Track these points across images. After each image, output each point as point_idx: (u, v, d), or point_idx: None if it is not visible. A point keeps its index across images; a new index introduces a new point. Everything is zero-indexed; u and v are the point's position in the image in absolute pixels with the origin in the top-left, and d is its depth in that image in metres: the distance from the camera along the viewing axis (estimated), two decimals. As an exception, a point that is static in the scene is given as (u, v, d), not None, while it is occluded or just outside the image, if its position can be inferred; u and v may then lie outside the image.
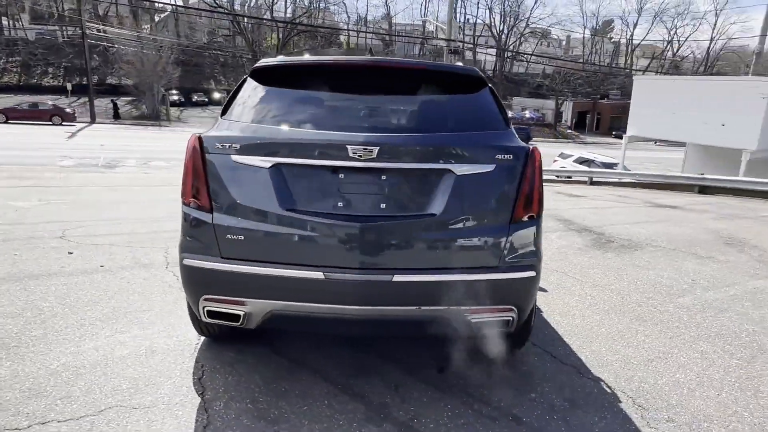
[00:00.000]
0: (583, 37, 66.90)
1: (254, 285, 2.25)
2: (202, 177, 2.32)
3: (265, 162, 2.25)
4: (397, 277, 2.18)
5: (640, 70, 61.99)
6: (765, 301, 4.31)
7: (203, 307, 2.37)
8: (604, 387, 2.77)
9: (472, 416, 2.43)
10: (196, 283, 2.36)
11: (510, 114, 39.73)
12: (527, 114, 49.11)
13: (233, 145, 2.30)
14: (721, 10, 76.49)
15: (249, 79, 2.61)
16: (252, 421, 2.31)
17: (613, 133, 47.20)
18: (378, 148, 2.18)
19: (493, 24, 62.57)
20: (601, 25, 69.74)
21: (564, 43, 73.24)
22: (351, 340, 3.09)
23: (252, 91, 2.56)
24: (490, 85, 2.64)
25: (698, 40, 78.11)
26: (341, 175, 2.23)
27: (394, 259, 2.22)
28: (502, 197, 2.29)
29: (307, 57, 2.65)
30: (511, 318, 2.35)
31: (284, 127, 2.34)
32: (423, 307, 2.24)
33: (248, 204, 2.26)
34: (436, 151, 2.25)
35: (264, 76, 2.59)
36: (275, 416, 2.35)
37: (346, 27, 56.33)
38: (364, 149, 2.18)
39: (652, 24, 79.62)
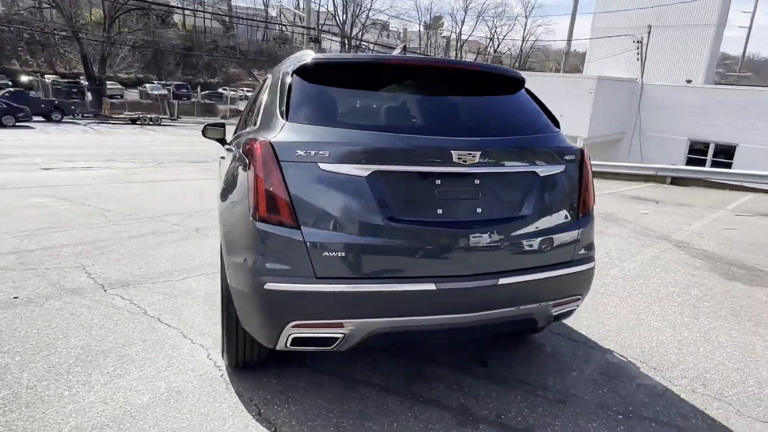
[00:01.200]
0: (419, 31, 71.20)
1: (356, 304, 2.08)
2: (281, 189, 2.05)
3: (363, 170, 2.07)
4: (502, 281, 2.20)
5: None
6: (669, 266, 5.22)
7: (289, 335, 2.11)
8: (620, 358, 3.13)
9: (544, 402, 2.58)
10: (282, 309, 2.08)
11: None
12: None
13: (321, 152, 2.07)
14: (529, 14, 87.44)
15: (297, 77, 2.35)
16: (352, 448, 2.15)
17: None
18: (480, 152, 2.16)
19: (336, 13, 63.11)
20: (433, 20, 74.95)
21: (402, 35, 77.06)
22: (384, 349, 3.01)
23: (313, 91, 2.31)
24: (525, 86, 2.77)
25: (513, 39, 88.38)
26: (438, 181, 2.16)
27: (497, 263, 2.23)
28: (571, 195, 2.44)
29: (363, 55, 2.48)
30: (576, 306, 2.54)
31: (380, 132, 2.16)
32: (521, 307, 2.30)
33: (345, 216, 2.07)
34: (524, 153, 2.31)
35: (318, 74, 2.35)
36: (371, 439, 2.23)
37: (180, 6, 51.67)
38: (469, 154, 2.14)
39: (476, 22, 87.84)
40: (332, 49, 61.44)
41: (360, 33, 64.25)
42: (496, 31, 72.57)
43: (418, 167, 2.13)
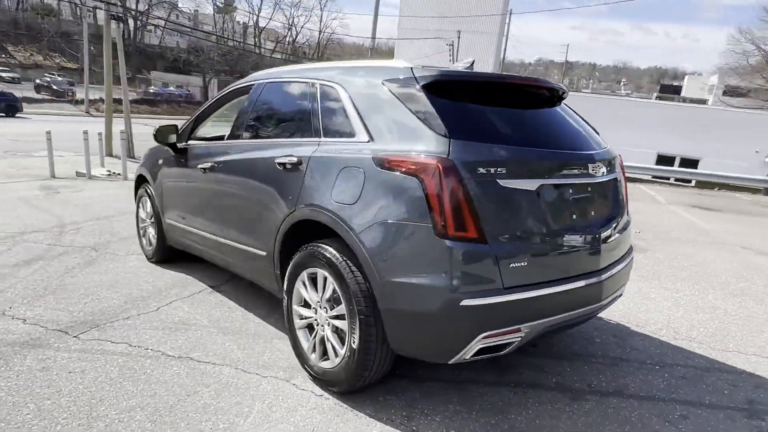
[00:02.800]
0: (214, 16, 67.00)
1: (532, 309, 2.23)
2: (467, 206, 2.08)
3: (533, 184, 2.23)
4: (614, 270, 2.60)
5: (267, 53, 66.97)
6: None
7: (478, 348, 2.16)
8: (619, 323, 3.84)
9: (603, 367, 3.08)
10: (475, 323, 2.11)
11: (153, 89, 36.40)
12: (173, 90, 46.45)
13: (499, 169, 2.15)
14: (324, 7, 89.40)
15: (427, 91, 2.33)
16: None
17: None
18: (600, 163, 2.51)
19: (113, -15, 55.34)
20: (224, 3, 71.20)
21: (193, 17, 71.45)
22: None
23: (456, 107, 2.32)
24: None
25: (311, 30, 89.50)
26: (580, 190, 2.45)
27: (613, 256, 2.62)
28: (624, 195, 2.96)
29: (485, 73, 2.55)
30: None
31: (540, 149, 2.32)
32: (617, 292, 2.74)
33: (522, 228, 2.20)
34: (611, 162, 2.72)
35: (448, 89, 2.37)
36: None
37: None
38: (597, 165, 2.46)
39: (274, 10, 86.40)
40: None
41: (147, 10, 57.66)
42: (293, 21, 72.57)
43: (570, 179, 2.38)
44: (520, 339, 2.26)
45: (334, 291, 2.48)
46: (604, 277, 2.51)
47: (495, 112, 2.44)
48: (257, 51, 66.29)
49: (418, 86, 2.37)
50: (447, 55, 23.04)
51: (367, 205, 2.29)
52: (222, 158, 3.42)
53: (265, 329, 3.35)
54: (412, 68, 2.45)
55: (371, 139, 2.43)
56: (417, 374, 2.83)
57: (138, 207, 4.86)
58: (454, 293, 2.07)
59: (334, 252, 2.44)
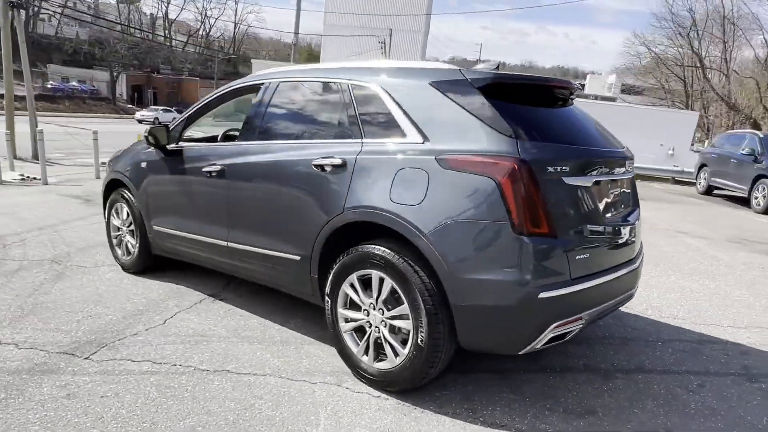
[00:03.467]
0: (118, 5, 62.29)
1: (592, 297, 2.38)
2: (541, 203, 2.19)
3: (589, 181, 2.38)
4: (641, 258, 2.84)
5: (179, 46, 63.56)
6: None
7: (549, 337, 2.27)
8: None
9: (621, 347, 3.34)
10: (550, 314, 2.22)
11: (51, 84, 33.56)
12: (76, 85, 42.74)
13: (564, 167, 2.28)
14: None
15: (484, 93, 2.40)
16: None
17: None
18: (629, 160, 2.72)
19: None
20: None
21: (93, 6, 65.93)
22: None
23: (516, 109, 2.40)
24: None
25: (225, 22, 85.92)
26: (618, 186, 2.65)
27: (639, 246, 2.85)
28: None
29: (529, 75, 2.64)
30: None
31: (593, 147, 2.47)
32: (638, 281, 2.98)
33: (583, 222, 2.35)
34: (630, 160, 2.94)
35: (503, 91, 2.45)
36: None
37: None
38: (629, 162, 2.67)
39: (185, 2, 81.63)
40: None
41: (38, -2, 52.44)
42: (206, 13, 69.34)
43: (612, 176, 2.57)
44: (581, 326, 2.41)
45: (392, 291, 2.49)
46: (636, 264, 2.74)
47: (542, 112, 2.56)
48: (168, 44, 62.69)
49: (473, 88, 2.43)
50: (377, 52, 23.23)
51: (433, 205, 2.32)
52: (234, 161, 3.27)
53: (290, 335, 3.27)
54: (461, 70, 2.51)
55: (426, 139, 2.46)
56: (459, 367, 2.90)
57: (110, 214, 4.49)
58: (533, 287, 2.17)
59: (392, 253, 2.44)
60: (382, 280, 2.52)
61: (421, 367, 2.42)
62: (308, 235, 2.82)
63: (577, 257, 2.30)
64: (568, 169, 2.30)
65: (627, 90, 53.18)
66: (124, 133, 19.50)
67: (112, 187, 4.43)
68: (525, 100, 2.53)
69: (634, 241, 2.71)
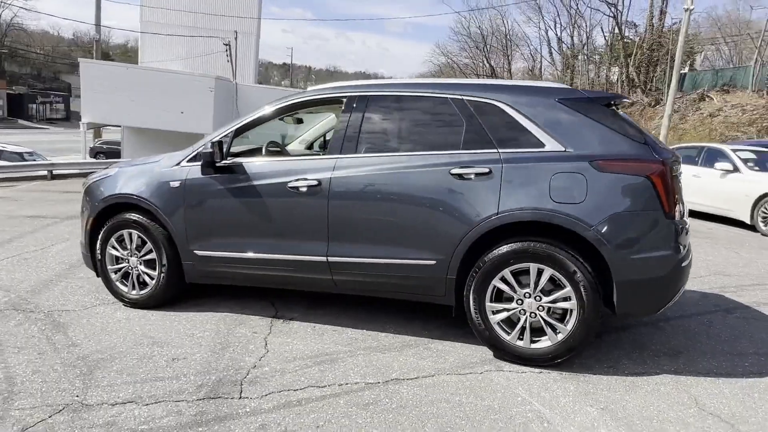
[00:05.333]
0: None
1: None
2: (675, 193, 2.86)
3: (678, 172, 3.10)
4: None
5: None
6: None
7: (676, 299, 2.94)
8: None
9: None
10: (683, 280, 2.91)
11: None
12: None
13: (675, 164, 2.97)
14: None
15: (602, 109, 2.98)
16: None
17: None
18: None
19: None
20: None
21: None
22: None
23: (621, 118, 3.01)
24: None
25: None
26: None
27: None
28: None
29: (616, 93, 3.23)
30: None
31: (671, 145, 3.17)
32: None
33: (682, 208, 3.06)
34: None
35: (609, 106, 3.05)
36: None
37: None
38: None
39: None
40: None
41: None
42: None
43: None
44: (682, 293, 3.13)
45: (550, 279, 2.90)
46: None
47: (628, 120, 3.21)
48: None
49: (597, 105, 2.98)
50: (217, 56, 21.90)
51: (595, 202, 2.81)
52: (338, 174, 3.24)
53: (402, 339, 3.38)
54: (583, 90, 3.04)
55: (566, 148, 2.92)
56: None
57: (105, 245, 3.85)
58: (678, 259, 2.83)
59: (551, 245, 2.86)
60: (540, 271, 2.91)
61: (582, 339, 2.89)
62: (449, 239, 3.03)
63: (681, 233, 3.01)
64: (677, 165, 3.01)
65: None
66: None
67: (111, 212, 3.82)
68: (619, 114, 3.17)
69: None
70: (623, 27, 34.23)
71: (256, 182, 3.44)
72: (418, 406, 2.56)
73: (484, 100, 3.12)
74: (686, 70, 29.77)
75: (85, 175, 13.78)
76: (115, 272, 3.88)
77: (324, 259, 3.33)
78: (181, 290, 3.90)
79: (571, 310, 2.89)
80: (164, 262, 3.71)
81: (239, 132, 3.64)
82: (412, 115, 3.31)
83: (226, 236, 3.55)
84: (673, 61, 16.83)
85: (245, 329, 3.49)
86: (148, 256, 3.77)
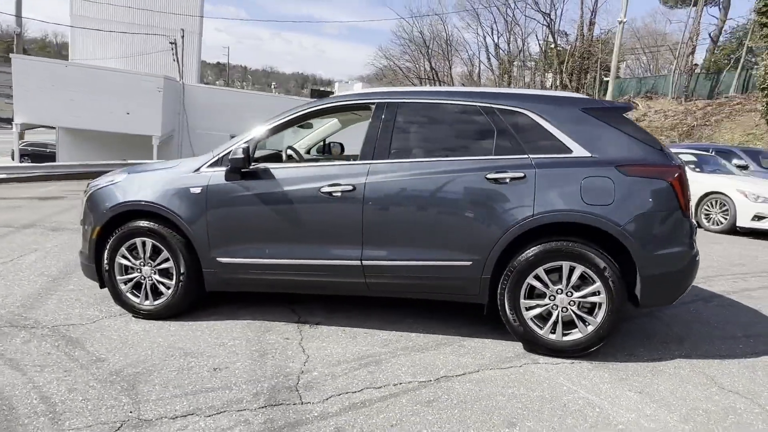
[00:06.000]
0: None
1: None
2: (688, 193, 3.17)
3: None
4: None
5: None
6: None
7: (688, 290, 3.25)
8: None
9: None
10: (696, 272, 3.20)
11: None
12: None
13: (683, 166, 3.28)
14: None
15: (627, 117, 3.25)
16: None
17: None
18: None
19: None
20: None
21: None
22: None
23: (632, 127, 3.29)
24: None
25: None
26: None
27: None
28: None
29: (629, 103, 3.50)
30: None
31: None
32: None
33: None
34: None
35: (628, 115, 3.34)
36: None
37: None
38: None
39: None
40: None
41: None
42: None
43: None
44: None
45: (581, 276, 3.12)
46: None
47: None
48: None
49: (620, 114, 3.25)
50: (163, 54, 20.96)
51: (623, 203, 3.06)
52: (373, 179, 3.31)
53: (435, 338, 3.48)
54: (605, 101, 3.30)
55: (592, 153, 3.16)
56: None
57: (114, 255, 3.69)
58: (693, 253, 3.15)
59: (581, 244, 3.09)
60: (572, 268, 3.12)
61: (611, 329, 3.13)
62: (486, 240, 3.19)
63: (695, 232, 3.34)
64: (684, 168, 3.33)
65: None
66: None
67: (121, 220, 3.67)
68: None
69: None
70: (556, 36, 36.22)
71: (286, 188, 3.44)
72: (477, 401, 2.69)
73: (513, 108, 3.30)
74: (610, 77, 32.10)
75: (20, 180, 12.82)
76: (125, 283, 3.72)
77: (358, 262, 3.38)
78: (198, 299, 3.81)
79: (600, 304, 3.12)
80: (182, 270, 3.61)
81: (263, 137, 3.62)
82: (442, 122, 3.44)
83: (252, 243, 3.52)
84: (603, 69, 18.17)
85: (275, 336, 3.47)
86: (163, 265, 3.65)
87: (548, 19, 35.53)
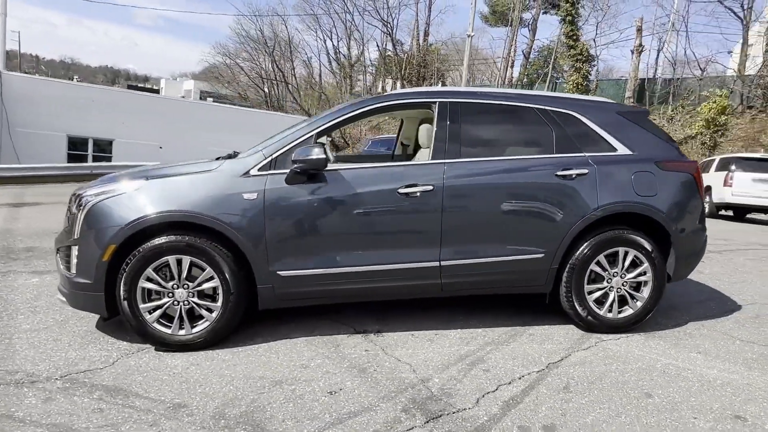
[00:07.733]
0: None
1: None
2: (702, 185, 3.81)
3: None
4: None
5: None
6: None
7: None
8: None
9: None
10: (705, 249, 3.85)
11: None
12: None
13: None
14: None
15: (650, 118, 3.77)
16: None
17: None
18: None
19: None
20: None
21: None
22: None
23: (656, 128, 3.83)
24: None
25: None
26: None
27: None
28: None
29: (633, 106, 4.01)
30: None
31: None
32: None
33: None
34: None
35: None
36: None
37: None
38: None
39: None
40: None
41: None
42: None
43: None
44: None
45: (634, 259, 3.54)
46: None
47: None
48: None
49: (644, 117, 3.75)
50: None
51: (663, 194, 3.54)
52: (449, 177, 3.28)
53: (498, 332, 3.58)
54: (636, 105, 3.80)
55: (632, 151, 3.61)
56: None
57: (137, 279, 3.03)
58: (706, 234, 3.80)
59: (632, 231, 3.51)
60: (626, 253, 3.52)
61: (655, 303, 3.61)
62: (557, 232, 3.41)
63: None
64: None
65: (204, 97, 56.11)
66: None
67: (135, 239, 3.04)
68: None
69: None
70: (395, 43, 38.49)
71: (359, 189, 3.21)
72: (599, 379, 2.89)
73: (564, 111, 3.58)
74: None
75: None
76: (150, 311, 3.08)
77: (436, 263, 3.32)
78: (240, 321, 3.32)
79: (647, 282, 3.57)
80: (232, 289, 3.12)
81: (321, 135, 3.32)
82: (504, 123, 3.57)
83: (321, 251, 3.21)
84: (438, 78, 19.95)
85: (349, 349, 3.22)
86: (205, 285, 3.11)
87: (388, 26, 37.53)
